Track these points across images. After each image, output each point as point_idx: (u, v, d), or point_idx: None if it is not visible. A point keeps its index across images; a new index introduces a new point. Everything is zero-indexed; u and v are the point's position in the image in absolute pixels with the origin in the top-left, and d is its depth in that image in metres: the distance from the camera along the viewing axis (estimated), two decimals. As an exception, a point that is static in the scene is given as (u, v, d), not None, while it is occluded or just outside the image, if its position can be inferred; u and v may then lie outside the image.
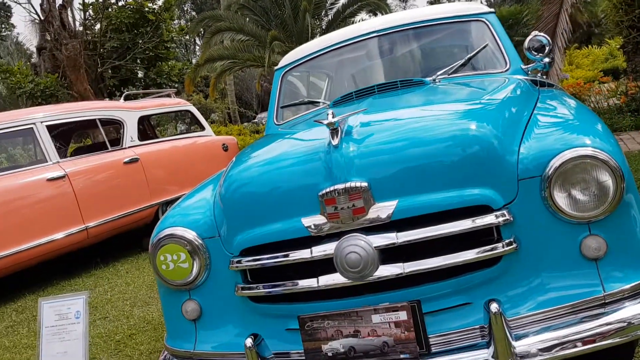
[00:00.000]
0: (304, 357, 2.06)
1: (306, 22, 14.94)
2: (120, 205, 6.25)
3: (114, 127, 6.83)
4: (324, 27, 16.95)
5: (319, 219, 2.04)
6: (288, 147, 2.39)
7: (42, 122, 5.86)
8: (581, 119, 2.33)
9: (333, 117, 2.07)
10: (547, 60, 3.20)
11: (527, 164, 2.03)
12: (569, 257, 2.01)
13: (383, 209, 1.99)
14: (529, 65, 3.25)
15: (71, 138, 6.93)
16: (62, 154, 6.45)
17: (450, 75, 3.20)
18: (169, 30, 16.53)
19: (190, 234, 2.34)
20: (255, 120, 28.51)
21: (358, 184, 1.98)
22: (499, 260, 1.99)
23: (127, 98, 7.26)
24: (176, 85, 17.21)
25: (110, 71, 15.56)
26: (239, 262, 2.21)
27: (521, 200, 2.01)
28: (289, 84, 3.82)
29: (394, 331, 1.94)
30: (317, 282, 2.05)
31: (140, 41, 15.46)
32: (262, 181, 2.23)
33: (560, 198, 1.97)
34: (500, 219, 1.95)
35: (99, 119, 6.48)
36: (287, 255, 2.09)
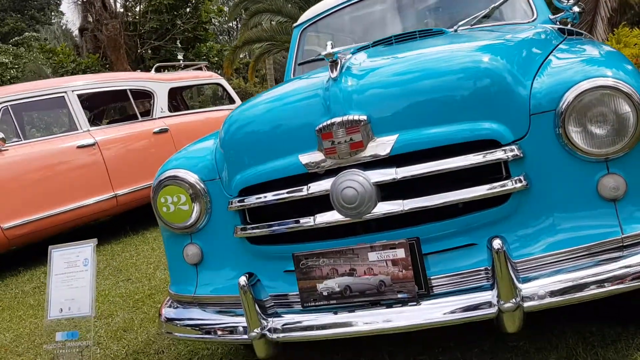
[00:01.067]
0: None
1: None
2: (149, 175, 6.22)
3: (145, 97, 6.88)
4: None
5: (317, 156, 1.96)
6: (289, 87, 2.31)
7: (73, 90, 5.94)
8: (607, 56, 2.16)
9: (332, 49, 1.98)
10: (576, 9, 3.02)
11: (540, 97, 1.89)
12: (585, 197, 1.87)
13: (382, 144, 1.89)
14: (557, 15, 3.07)
15: (102, 107, 7.04)
16: (93, 122, 6.54)
17: (473, 26, 3.04)
18: (208, 11, 16.60)
19: (192, 177, 2.29)
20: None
21: (356, 117, 1.88)
22: (507, 199, 1.86)
23: (158, 70, 7.30)
24: (214, 68, 17.32)
25: (150, 52, 15.79)
26: (237, 202, 2.15)
27: (533, 137, 1.87)
28: (308, 42, 3.72)
29: (391, 269, 1.84)
30: (314, 220, 1.97)
31: (179, 22, 15.60)
32: (261, 120, 2.16)
33: (575, 133, 1.83)
34: (509, 154, 1.83)
35: (130, 89, 6.53)
36: (282, 193, 2.01)
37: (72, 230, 5.94)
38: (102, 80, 6.44)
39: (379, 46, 2.86)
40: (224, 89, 7.73)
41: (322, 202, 1.96)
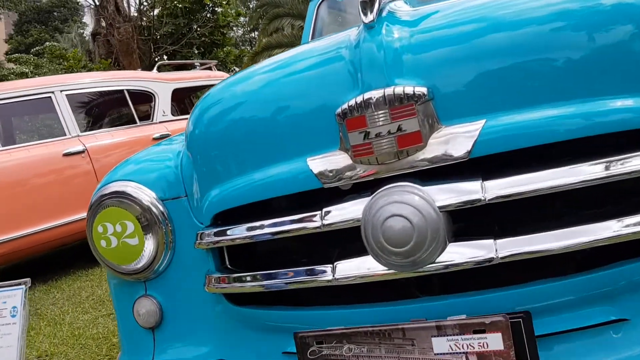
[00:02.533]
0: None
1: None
2: (147, 186, 5.53)
3: (145, 99, 6.14)
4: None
5: (338, 159, 1.13)
6: (296, 51, 1.48)
7: (61, 90, 5.20)
8: None
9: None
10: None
11: None
12: None
13: (457, 138, 1.04)
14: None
15: (96, 110, 6.31)
16: (84, 127, 5.80)
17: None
18: (226, 15, 15.93)
19: (146, 194, 1.48)
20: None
21: (410, 89, 1.04)
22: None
23: (160, 69, 6.55)
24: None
25: (165, 57, 15.14)
26: (210, 234, 1.33)
27: None
28: (326, 16, 2.91)
29: (475, 372, 0.99)
30: (333, 272, 1.13)
31: (196, 26, 14.94)
32: (248, 102, 1.33)
33: None
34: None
35: (128, 90, 5.78)
36: (276, 224, 1.18)
37: (56, 247, 5.20)
38: (96, 80, 5.70)
39: None
40: (236, 91, 6.94)
41: (349, 237, 1.14)
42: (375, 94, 1.05)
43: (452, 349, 0.99)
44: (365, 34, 1.12)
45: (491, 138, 1.02)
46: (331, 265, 1.13)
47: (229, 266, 1.38)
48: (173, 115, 6.05)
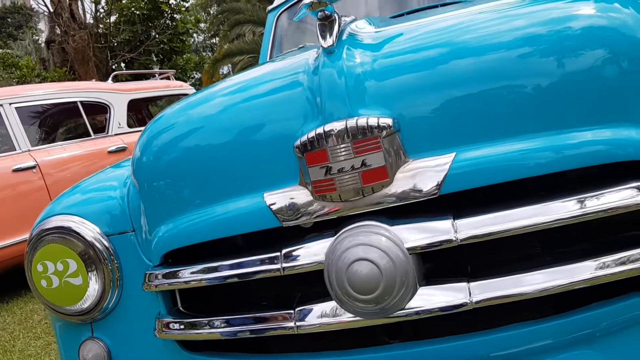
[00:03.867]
0: None
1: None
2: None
3: (100, 111, 5.92)
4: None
5: (297, 195, 1.03)
6: (253, 74, 1.38)
7: (10, 103, 4.97)
8: None
9: (325, -4, 1.05)
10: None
11: None
12: None
13: (425, 172, 0.96)
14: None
15: (48, 123, 6.07)
16: (35, 141, 5.56)
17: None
18: (185, 22, 15.66)
19: (90, 230, 1.35)
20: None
21: (374, 121, 0.96)
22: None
23: (115, 79, 6.35)
24: (193, 82, 16.41)
25: (123, 65, 14.76)
26: (159, 275, 1.21)
27: None
28: (287, 29, 2.82)
29: None
30: (294, 320, 1.03)
31: (154, 33, 14.63)
32: (199, 129, 1.22)
33: None
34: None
35: (81, 102, 5.56)
36: (233, 266, 1.08)
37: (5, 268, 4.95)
38: (48, 92, 5.47)
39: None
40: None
41: (311, 277, 1.05)
42: (336, 126, 0.97)
43: (425, 405, 0.91)
44: (324, 59, 1.03)
45: (463, 172, 0.95)
46: (293, 311, 1.04)
47: (181, 308, 1.27)
48: (130, 127, 5.85)
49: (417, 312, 0.95)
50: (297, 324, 1.02)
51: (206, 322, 1.16)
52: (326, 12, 1.04)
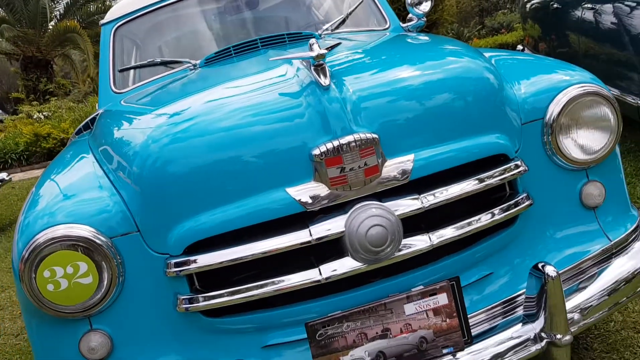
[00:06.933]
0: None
1: (40, 3, 12.97)
2: None
3: None
4: (61, 10, 14.88)
5: (316, 188, 1.49)
6: (240, 92, 1.73)
7: None
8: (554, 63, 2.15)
9: (319, 48, 1.53)
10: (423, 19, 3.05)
11: (528, 106, 1.78)
12: (571, 207, 1.82)
13: (398, 167, 1.53)
14: (408, 24, 3.04)
15: None
16: None
17: (334, 32, 2.79)
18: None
19: (99, 236, 1.55)
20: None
21: (370, 136, 1.48)
22: (515, 220, 1.70)
23: None
24: None
25: None
26: (185, 263, 1.52)
27: (524, 148, 1.75)
28: (126, 43, 2.98)
29: (432, 321, 1.50)
30: (320, 273, 1.49)
31: None
32: (214, 144, 1.56)
33: (566, 142, 1.76)
34: (522, 168, 1.67)
35: None
36: (272, 243, 1.49)
37: None
38: None
39: (253, 54, 2.42)
40: None
41: (319, 248, 1.51)
42: (347, 140, 1.45)
43: (417, 310, 1.48)
44: (322, 91, 1.50)
45: (420, 165, 1.53)
46: (317, 268, 1.49)
47: (198, 287, 1.58)
48: None
49: (404, 256, 1.50)
50: (323, 276, 1.48)
51: (233, 291, 1.51)
52: (322, 60, 1.52)
